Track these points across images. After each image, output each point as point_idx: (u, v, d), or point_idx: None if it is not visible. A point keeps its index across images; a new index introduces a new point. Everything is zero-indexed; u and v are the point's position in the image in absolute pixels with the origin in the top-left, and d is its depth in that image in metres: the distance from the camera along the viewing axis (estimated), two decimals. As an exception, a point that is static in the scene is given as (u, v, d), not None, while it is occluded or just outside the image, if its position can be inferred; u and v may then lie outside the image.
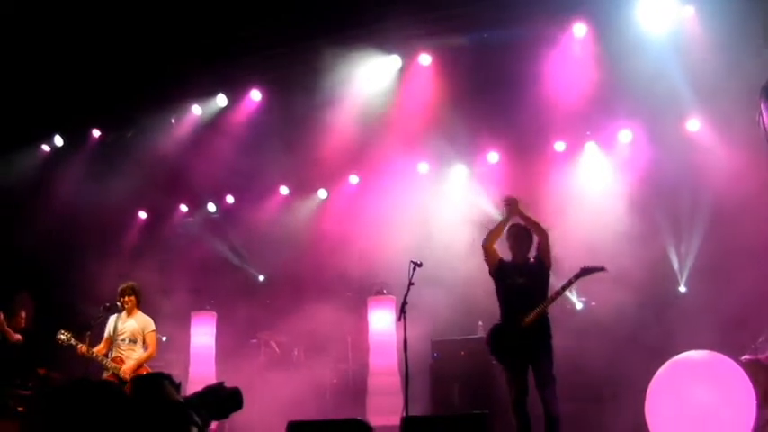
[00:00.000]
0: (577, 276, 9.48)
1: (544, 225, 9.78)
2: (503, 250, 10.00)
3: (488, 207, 15.08)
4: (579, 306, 14.28)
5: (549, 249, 9.60)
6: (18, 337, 13.49)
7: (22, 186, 16.85)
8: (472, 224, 14.17)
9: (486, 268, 9.96)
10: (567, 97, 13.47)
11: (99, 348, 10.91)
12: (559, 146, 15.39)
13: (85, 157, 17.22)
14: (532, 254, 9.77)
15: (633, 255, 12.92)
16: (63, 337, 10.86)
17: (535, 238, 9.78)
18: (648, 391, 10.53)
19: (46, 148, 17.53)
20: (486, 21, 13.49)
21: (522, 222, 9.84)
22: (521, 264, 9.69)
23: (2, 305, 13.26)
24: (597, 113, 14.18)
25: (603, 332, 12.73)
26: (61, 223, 16.85)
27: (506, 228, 9.88)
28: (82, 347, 10.71)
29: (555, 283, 9.73)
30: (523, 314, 9.32)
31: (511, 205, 9.79)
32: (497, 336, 9.64)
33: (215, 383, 6.91)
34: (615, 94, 13.55)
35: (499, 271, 9.73)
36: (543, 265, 9.58)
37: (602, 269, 9.54)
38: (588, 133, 15.26)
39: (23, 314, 13.89)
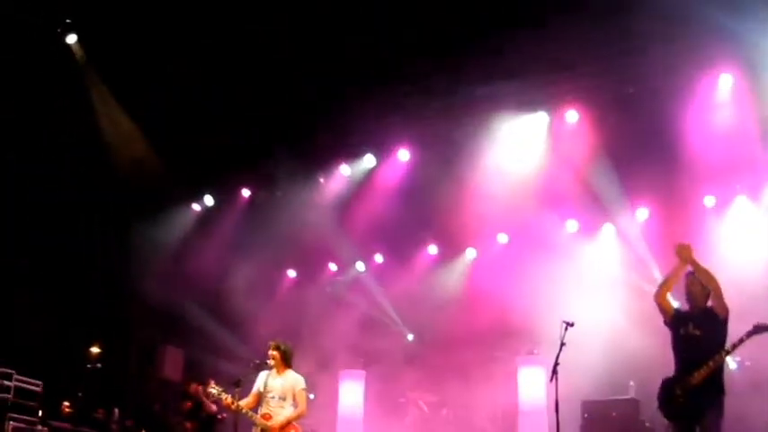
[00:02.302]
0: (749, 334, 9.06)
1: (710, 273, 9.38)
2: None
3: (637, 265, 14.75)
4: (733, 366, 13.70)
5: (721, 300, 9.22)
6: (215, 408, 14.05)
7: (174, 246, 17.42)
8: (622, 283, 13.89)
9: (644, 327, 9.68)
10: (714, 150, 13.13)
11: (247, 403, 11.00)
12: (709, 200, 14.98)
13: (235, 216, 17.71)
14: (709, 303, 9.38)
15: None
16: (213, 391, 11.03)
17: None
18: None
19: (196, 207, 18.13)
20: (631, 75, 13.34)
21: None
22: (697, 314, 9.31)
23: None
24: (745, 166, 13.75)
25: (758, 394, 12.17)
26: (210, 281, 17.33)
27: (679, 276, 9.56)
28: (230, 401, 10.86)
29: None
30: (695, 369, 8.97)
31: (683, 253, 9.44)
32: (667, 391, 9.32)
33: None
34: (764, 146, 13.15)
35: (675, 321, 9.39)
36: (718, 316, 9.19)
37: None
38: (738, 186, 14.78)
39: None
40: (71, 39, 14.54)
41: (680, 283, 9.41)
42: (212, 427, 14.60)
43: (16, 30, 13.52)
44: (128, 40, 14.10)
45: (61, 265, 16.41)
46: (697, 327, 9.08)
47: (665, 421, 9.41)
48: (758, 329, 8.94)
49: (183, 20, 13.58)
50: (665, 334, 9.35)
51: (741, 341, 8.87)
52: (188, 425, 14.59)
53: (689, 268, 9.34)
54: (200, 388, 13.98)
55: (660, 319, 9.41)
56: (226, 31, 13.75)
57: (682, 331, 9.17)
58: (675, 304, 9.56)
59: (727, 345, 8.96)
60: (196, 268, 17.12)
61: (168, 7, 13.36)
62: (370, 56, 13.90)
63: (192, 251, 17.47)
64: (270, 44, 13.93)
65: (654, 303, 9.42)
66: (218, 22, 13.59)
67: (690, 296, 9.31)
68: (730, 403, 9.33)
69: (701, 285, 9.24)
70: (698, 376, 8.81)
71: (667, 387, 9.23)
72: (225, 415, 14.15)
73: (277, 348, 11.24)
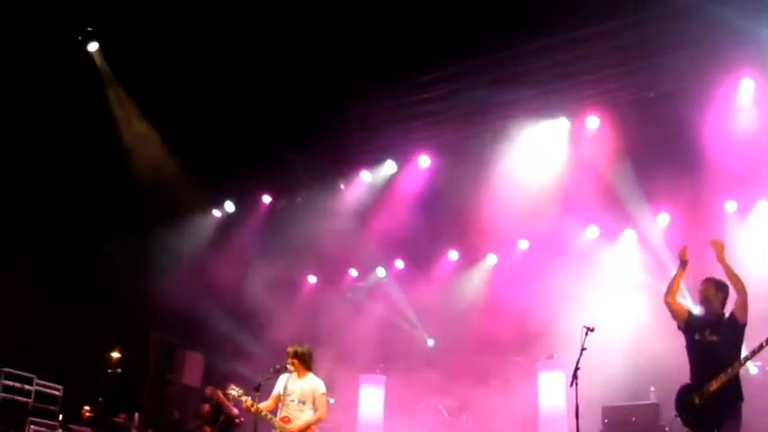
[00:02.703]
0: (768, 341, 8.99)
1: (737, 273, 9.27)
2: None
3: (658, 270, 14.69)
4: (754, 371, 13.60)
5: (745, 307, 9.11)
6: (236, 411, 14.12)
7: (195, 251, 17.51)
8: (643, 288, 13.84)
9: (665, 332, 9.62)
10: (735, 155, 13.06)
11: (267, 406, 11.03)
12: (730, 206, 14.90)
13: (256, 222, 17.78)
14: (728, 309, 9.27)
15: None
16: (234, 392, 11.07)
17: (731, 293, 9.31)
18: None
19: (217, 213, 18.22)
20: (651, 79, 13.32)
21: (713, 278, 9.41)
22: (713, 319, 9.20)
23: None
24: (767, 171, 13.68)
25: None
26: (231, 287, 17.39)
27: (683, 274, 9.50)
28: (249, 403, 10.88)
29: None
30: (712, 377, 8.87)
31: (716, 247, 9.34)
32: (684, 398, 9.23)
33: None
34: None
35: (688, 326, 9.30)
36: (738, 322, 9.08)
37: None
38: (759, 191, 14.69)
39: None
40: (93, 47, 14.64)
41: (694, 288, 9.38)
42: (231, 430, 14.63)
43: (36, 35, 13.61)
44: (146, 42, 14.15)
45: (83, 270, 16.51)
46: (714, 332, 8.99)
47: (686, 428, 9.36)
48: None
49: (205, 21, 13.63)
50: (686, 339, 9.31)
51: (761, 347, 8.70)
52: (207, 429, 14.63)
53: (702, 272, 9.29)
54: (219, 391, 14.03)
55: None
56: (248, 33, 13.77)
57: (697, 337, 9.09)
58: (694, 310, 9.51)
59: (746, 352, 8.89)
60: (217, 274, 17.19)
61: (190, 8, 13.40)
62: (392, 61, 13.91)
63: (212, 257, 17.54)
64: (292, 49, 13.97)
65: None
66: (240, 22, 13.60)
67: (705, 301, 9.24)
68: (755, 409, 9.25)
69: (715, 289, 9.19)
70: (716, 384, 8.72)
71: (685, 394, 9.16)
72: (243, 419, 14.18)
73: (295, 355, 11.28)
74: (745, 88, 13.09)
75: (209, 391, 14.95)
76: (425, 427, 15.99)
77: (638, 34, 12.51)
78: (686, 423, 9.21)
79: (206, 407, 14.93)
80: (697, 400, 8.88)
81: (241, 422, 14.47)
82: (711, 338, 8.98)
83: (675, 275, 9.47)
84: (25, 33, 13.54)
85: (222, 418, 14.56)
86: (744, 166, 13.31)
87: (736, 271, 9.08)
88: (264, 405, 10.98)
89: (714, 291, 9.22)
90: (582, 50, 13.00)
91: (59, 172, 15.53)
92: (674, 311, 9.34)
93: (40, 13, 13.38)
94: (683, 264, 9.40)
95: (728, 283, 9.15)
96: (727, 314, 9.12)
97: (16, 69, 13.90)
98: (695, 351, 9.13)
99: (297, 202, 17.66)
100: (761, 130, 12.95)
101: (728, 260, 9.10)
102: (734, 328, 8.96)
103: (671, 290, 9.39)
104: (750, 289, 8.99)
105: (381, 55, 13.78)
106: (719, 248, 9.15)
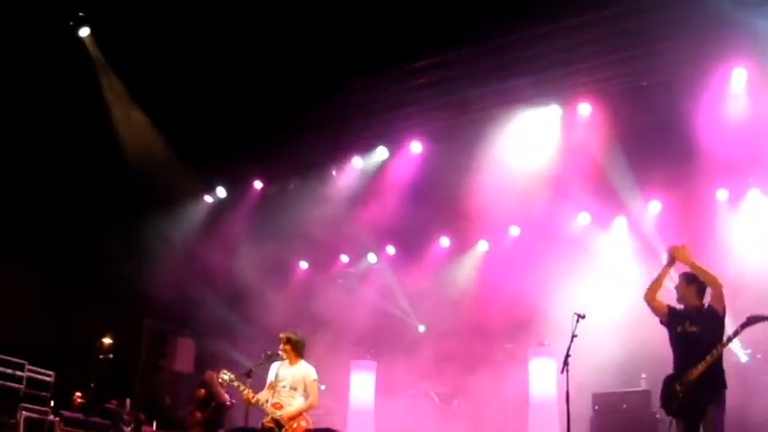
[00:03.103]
0: (743, 326, 9.08)
1: (714, 274, 9.38)
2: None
3: (649, 257, 14.74)
4: (744, 359, 13.70)
5: (721, 299, 9.23)
6: (226, 397, 14.14)
7: (186, 237, 17.51)
8: (634, 275, 13.88)
9: (655, 319, 9.68)
10: (727, 143, 13.09)
11: (261, 394, 11.07)
12: (722, 194, 14.96)
13: (248, 208, 17.78)
14: (707, 300, 9.40)
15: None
16: (225, 377, 11.08)
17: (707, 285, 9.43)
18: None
19: (209, 199, 18.20)
20: (644, 67, 13.33)
21: (684, 272, 9.52)
22: (693, 311, 9.32)
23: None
24: (759, 159, 13.71)
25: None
26: (222, 273, 17.40)
27: (665, 277, 9.57)
28: (241, 388, 10.89)
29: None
30: (693, 366, 9.00)
31: (679, 254, 9.47)
32: (668, 389, 9.33)
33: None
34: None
35: (670, 319, 9.42)
36: (716, 313, 9.20)
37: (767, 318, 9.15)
38: (750, 180, 14.73)
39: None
40: (84, 32, 14.58)
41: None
42: (221, 415, 14.66)
43: (27, 24, 13.56)
44: (137, 29, 14.12)
45: (75, 258, 16.50)
46: (693, 324, 9.13)
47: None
48: (751, 321, 9.00)
49: (193, 8, 13.60)
50: (678, 326, 9.37)
51: (736, 333, 8.93)
52: (198, 414, 14.66)
53: (684, 268, 9.36)
54: (215, 374, 14.10)
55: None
56: (237, 19, 13.75)
57: (679, 329, 9.22)
58: (676, 305, 9.55)
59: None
60: (209, 260, 17.20)
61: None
62: (385, 48, 13.90)
63: (204, 243, 17.54)
64: (281, 34, 13.95)
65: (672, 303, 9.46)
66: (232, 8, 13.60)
67: (681, 298, 9.36)
68: (736, 396, 9.32)
69: (686, 283, 9.30)
70: (696, 371, 8.84)
71: (668, 385, 9.27)
72: (234, 401, 14.23)
73: (288, 341, 11.30)
74: (737, 78, 13.12)
75: (207, 376, 14.96)
76: (416, 412, 16.03)
77: (631, 23, 12.56)
78: (670, 413, 9.30)
79: (201, 391, 14.95)
80: (679, 388, 8.98)
81: (232, 404, 14.50)
82: (692, 329, 9.12)
83: (661, 273, 9.52)
84: (18, 28, 13.50)
85: (213, 404, 14.59)
86: (735, 155, 13.33)
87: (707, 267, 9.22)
88: (260, 395, 11.02)
89: (685, 285, 9.35)
90: (576, 38, 13.04)
91: (53, 161, 15.49)
92: (654, 309, 9.44)
93: (32, 8, 13.38)
94: (671, 261, 9.45)
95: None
96: (706, 305, 9.23)
97: (8, 63, 13.88)
98: (677, 343, 9.26)
99: (289, 188, 17.63)
100: (753, 119, 12.98)
101: (693, 259, 9.19)
102: (712, 320, 9.09)
103: (652, 287, 9.46)
104: (741, 277, 9.09)
105: (375, 42, 13.77)
106: (681, 254, 9.25)
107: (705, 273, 9.21)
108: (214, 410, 14.62)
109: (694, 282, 9.32)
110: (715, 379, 8.97)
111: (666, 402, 9.31)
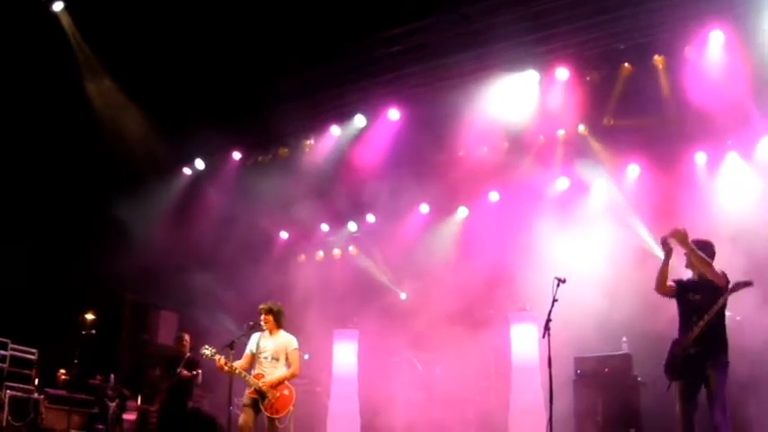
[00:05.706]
0: (730, 292, 9.19)
1: (703, 255, 9.41)
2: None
3: (629, 222, 14.83)
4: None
5: (716, 277, 9.28)
6: (186, 373, 13.98)
7: (166, 210, 17.45)
8: (614, 240, 13.97)
9: (634, 284, 9.75)
10: (705, 107, 13.12)
11: (241, 365, 11.09)
12: (700, 157, 15.00)
13: (226, 180, 17.73)
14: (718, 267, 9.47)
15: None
16: (207, 351, 11.09)
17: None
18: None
19: (187, 171, 18.14)
20: (621, 31, 13.33)
21: (695, 240, 9.54)
22: (698, 280, 9.43)
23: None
24: (737, 122, 13.75)
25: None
26: (203, 245, 17.37)
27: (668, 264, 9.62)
28: (223, 362, 10.93)
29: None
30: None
31: (678, 237, 9.48)
32: (671, 353, 9.44)
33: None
34: (756, 103, 13.16)
35: (678, 292, 9.53)
36: (716, 284, 9.28)
37: (748, 284, 9.24)
38: (729, 143, 14.78)
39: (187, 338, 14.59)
40: (57, 6, 14.44)
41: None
42: (187, 389, 14.38)
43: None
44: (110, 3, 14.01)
45: (54, 234, 16.43)
46: (696, 292, 9.25)
47: (661, 377, 9.55)
48: (737, 287, 9.12)
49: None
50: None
51: (725, 299, 9.03)
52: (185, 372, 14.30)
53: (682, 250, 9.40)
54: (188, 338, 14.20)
55: (652, 276, 9.49)
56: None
57: (684, 299, 9.35)
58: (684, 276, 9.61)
59: (730, 312, 9.18)
60: (188, 232, 17.15)
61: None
62: (360, 16, 13.83)
63: (183, 215, 17.48)
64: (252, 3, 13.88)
65: (653, 267, 9.54)
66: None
67: (688, 264, 9.46)
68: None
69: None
70: (692, 334, 9.04)
71: (671, 350, 9.40)
72: (197, 373, 14.09)
73: (269, 311, 11.36)
74: (714, 40, 13.09)
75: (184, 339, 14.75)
76: (400, 380, 16.10)
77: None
78: (672, 376, 9.39)
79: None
80: (678, 349, 9.14)
81: (195, 376, 14.23)
82: (695, 297, 9.29)
83: (661, 267, 9.55)
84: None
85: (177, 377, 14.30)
86: (713, 118, 13.36)
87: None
88: (238, 364, 11.06)
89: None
90: (551, 3, 13.01)
91: (28, 138, 15.37)
92: (667, 294, 9.54)
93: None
94: (668, 254, 9.49)
95: (709, 242, 9.44)
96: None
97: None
98: (683, 311, 9.42)
99: (267, 158, 17.57)
100: (730, 82, 12.98)
101: (690, 242, 9.24)
102: (714, 289, 9.18)
103: (659, 281, 9.52)
104: (723, 244, 9.16)
105: (349, 9, 13.69)
106: (682, 237, 9.28)
107: (698, 257, 9.28)
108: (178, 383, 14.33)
109: (704, 248, 9.39)
110: (716, 340, 9.11)
111: (668, 366, 9.44)
